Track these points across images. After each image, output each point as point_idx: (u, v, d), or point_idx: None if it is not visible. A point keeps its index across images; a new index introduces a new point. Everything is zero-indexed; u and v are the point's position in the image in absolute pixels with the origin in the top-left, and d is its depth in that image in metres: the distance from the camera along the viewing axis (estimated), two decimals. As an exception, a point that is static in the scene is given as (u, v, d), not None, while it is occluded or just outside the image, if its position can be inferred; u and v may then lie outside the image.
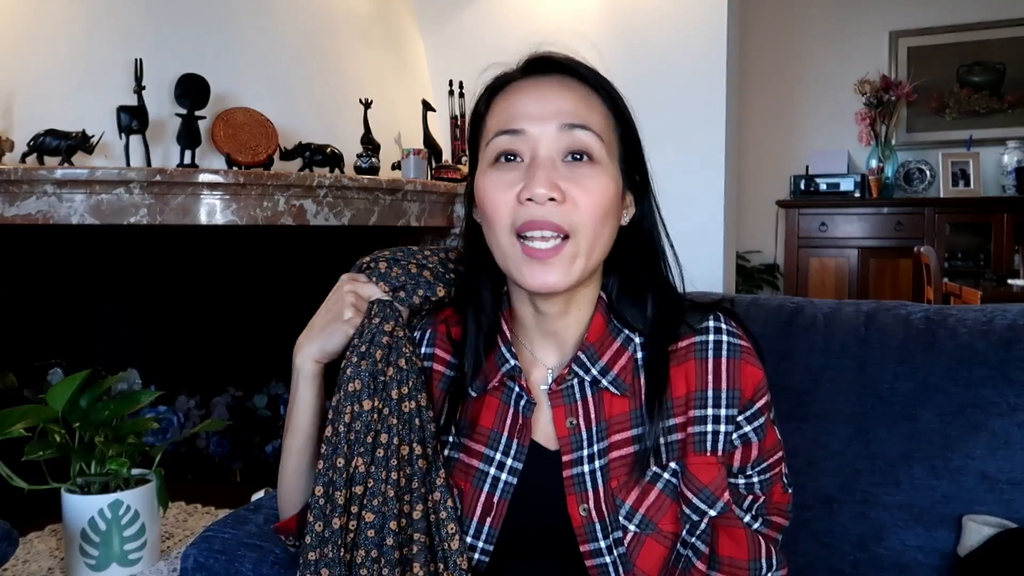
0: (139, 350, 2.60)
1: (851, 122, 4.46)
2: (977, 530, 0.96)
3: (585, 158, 0.76)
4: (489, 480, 0.82)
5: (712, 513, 0.79)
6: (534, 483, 0.82)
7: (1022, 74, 4.27)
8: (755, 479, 0.82)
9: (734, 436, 0.79)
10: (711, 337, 0.81)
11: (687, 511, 0.79)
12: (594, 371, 0.81)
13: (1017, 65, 4.27)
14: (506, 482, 0.82)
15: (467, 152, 0.87)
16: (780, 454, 0.84)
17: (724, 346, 0.80)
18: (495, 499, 0.82)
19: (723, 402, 0.79)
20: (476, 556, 0.82)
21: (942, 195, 4.27)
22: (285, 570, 0.97)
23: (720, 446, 0.79)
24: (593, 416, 0.81)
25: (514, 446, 0.82)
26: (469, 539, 0.82)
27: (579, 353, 0.81)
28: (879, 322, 1.12)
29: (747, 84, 4.15)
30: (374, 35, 2.85)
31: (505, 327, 0.85)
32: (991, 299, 2.84)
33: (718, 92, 2.76)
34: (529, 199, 0.74)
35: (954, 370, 1.04)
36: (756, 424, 0.80)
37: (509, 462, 0.82)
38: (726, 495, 0.79)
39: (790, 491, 0.86)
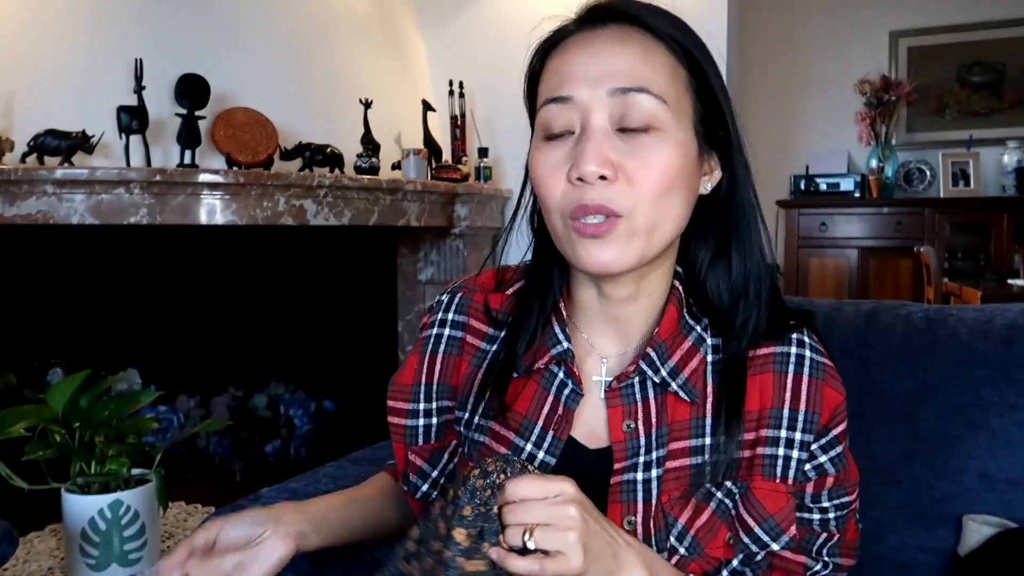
0: (139, 350, 2.60)
1: (851, 122, 4.45)
2: (977, 530, 0.96)
3: (645, 125, 0.66)
4: None
5: (775, 547, 0.71)
6: None
7: (1022, 74, 4.26)
8: (831, 514, 0.73)
9: (807, 467, 0.72)
10: (793, 350, 0.73)
11: (746, 539, 0.70)
12: (664, 372, 0.71)
13: (1017, 65, 4.26)
14: None
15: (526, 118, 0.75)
16: (857, 488, 0.76)
17: (807, 362, 0.72)
18: None
19: (799, 425, 0.71)
20: None
21: (942, 195, 4.27)
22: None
23: (791, 473, 0.71)
24: (654, 420, 0.72)
25: (548, 438, 0.73)
26: None
27: (649, 350, 0.72)
28: (879, 322, 1.11)
29: (747, 84, 4.15)
30: (374, 35, 2.85)
31: (562, 307, 0.76)
32: (991, 299, 2.83)
33: (718, 92, 2.75)
34: (580, 178, 0.65)
35: (954, 370, 1.04)
36: (832, 454, 0.72)
37: (540, 455, 0.73)
38: (793, 529, 0.71)
39: (860, 526, 0.79)
